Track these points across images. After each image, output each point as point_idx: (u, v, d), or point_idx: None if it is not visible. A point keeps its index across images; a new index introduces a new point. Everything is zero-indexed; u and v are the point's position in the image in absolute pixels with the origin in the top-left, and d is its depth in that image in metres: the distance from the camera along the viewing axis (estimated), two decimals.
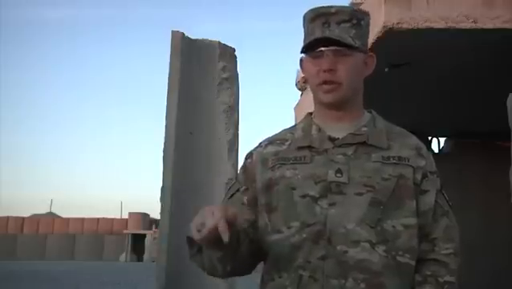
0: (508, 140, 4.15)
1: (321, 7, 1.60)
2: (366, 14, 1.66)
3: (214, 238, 1.37)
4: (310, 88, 1.66)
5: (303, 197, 1.54)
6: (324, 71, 1.56)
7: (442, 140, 8.10)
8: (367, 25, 1.65)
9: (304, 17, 1.64)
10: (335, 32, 1.55)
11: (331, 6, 1.59)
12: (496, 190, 5.45)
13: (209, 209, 1.39)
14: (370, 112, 1.69)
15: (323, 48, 1.57)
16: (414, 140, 1.65)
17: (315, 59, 1.59)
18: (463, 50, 4.52)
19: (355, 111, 1.65)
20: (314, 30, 1.58)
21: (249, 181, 1.66)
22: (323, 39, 1.56)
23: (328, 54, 1.56)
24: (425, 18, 4.05)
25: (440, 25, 4.07)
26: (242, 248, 1.51)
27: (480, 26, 4.06)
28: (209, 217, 1.36)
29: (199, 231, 1.37)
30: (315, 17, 1.59)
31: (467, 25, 4.06)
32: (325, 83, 1.57)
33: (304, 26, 1.63)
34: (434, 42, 4.34)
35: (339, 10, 1.58)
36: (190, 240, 1.50)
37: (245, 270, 1.62)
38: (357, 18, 1.59)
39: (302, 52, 1.63)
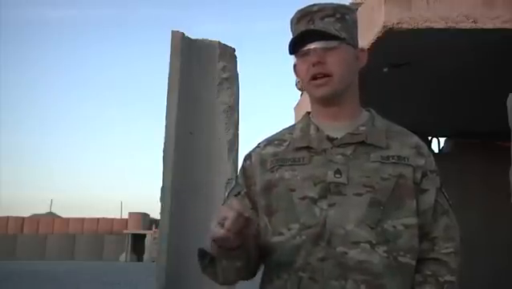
0: (508, 140, 4.15)
1: (304, 7, 1.61)
2: (351, 10, 1.66)
3: (232, 246, 1.40)
4: (305, 89, 1.65)
5: (303, 198, 1.53)
6: (313, 65, 1.56)
7: (442, 140, 8.10)
8: (354, 21, 1.65)
9: (291, 21, 1.64)
10: (319, 25, 1.56)
11: (314, 5, 1.60)
12: (496, 190, 5.44)
13: (222, 209, 1.41)
14: (369, 111, 1.68)
15: (310, 45, 1.57)
16: (414, 138, 1.64)
17: (304, 57, 1.59)
18: (463, 50, 4.52)
19: (352, 107, 1.64)
20: (300, 28, 1.59)
21: (248, 184, 1.65)
22: (308, 32, 1.56)
23: (316, 49, 1.56)
24: (425, 18, 4.05)
25: (440, 25, 4.07)
26: (254, 253, 1.52)
27: (480, 26, 4.06)
28: (227, 213, 1.37)
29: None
30: (300, 17, 1.60)
31: (467, 25, 4.06)
32: (316, 78, 1.57)
33: (291, 30, 1.64)
34: (434, 42, 4.34)
35: (322, 7, 1.59)
36: (202, 252, 1.51)
37: (254, 273, 1.62)
38: (340, 12, 1.60)
39: (290, 53, 1.62)
